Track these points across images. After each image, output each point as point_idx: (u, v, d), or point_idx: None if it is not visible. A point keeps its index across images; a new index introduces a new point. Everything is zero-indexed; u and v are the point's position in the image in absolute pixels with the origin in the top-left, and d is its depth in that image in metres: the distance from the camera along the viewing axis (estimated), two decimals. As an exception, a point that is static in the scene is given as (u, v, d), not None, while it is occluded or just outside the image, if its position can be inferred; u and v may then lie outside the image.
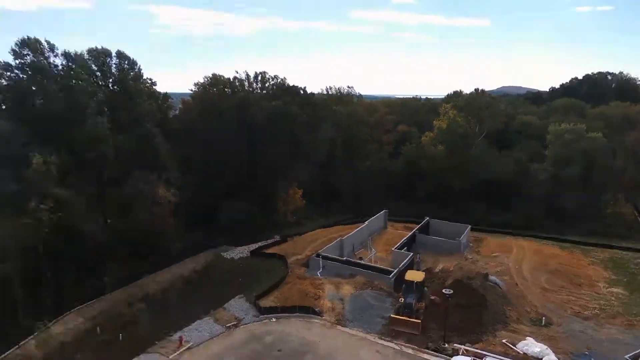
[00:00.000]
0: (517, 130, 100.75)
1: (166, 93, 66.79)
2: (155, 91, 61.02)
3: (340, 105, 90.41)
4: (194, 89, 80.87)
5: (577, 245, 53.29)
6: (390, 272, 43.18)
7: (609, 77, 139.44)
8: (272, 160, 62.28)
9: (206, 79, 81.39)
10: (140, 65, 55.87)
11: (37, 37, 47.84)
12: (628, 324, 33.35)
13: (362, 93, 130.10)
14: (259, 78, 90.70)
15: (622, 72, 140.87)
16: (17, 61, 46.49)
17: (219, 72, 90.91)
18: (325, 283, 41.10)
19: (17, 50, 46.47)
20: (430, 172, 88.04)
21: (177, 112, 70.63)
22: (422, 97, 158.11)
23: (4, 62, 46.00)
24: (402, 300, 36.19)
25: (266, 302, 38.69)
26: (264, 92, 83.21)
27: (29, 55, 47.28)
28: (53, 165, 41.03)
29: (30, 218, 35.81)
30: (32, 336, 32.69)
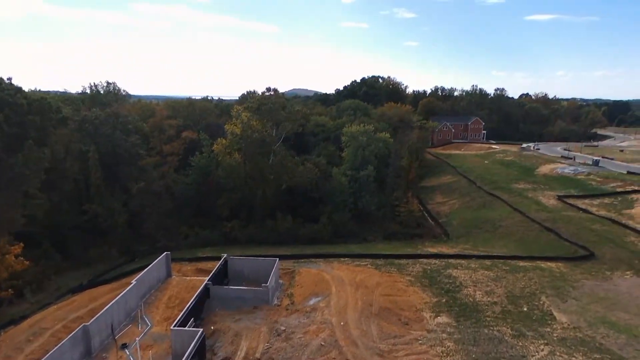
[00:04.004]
0: (313, 132, 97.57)
1: None
2: None
3: (96, 108, 66.15)
4: None
5: (391, 261, 48.26)
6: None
7: (380, 81, 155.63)
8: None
9: None
10: None
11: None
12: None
13: (140, 93, 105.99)
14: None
15: (389, 77, 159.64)
16: None
17: None
18: None
19: None
20: (228, 186, 74.50)
21: None
22: (214, 98, 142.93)
23: None
24: None
25: None
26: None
27: None
28: None
29: None
30: None
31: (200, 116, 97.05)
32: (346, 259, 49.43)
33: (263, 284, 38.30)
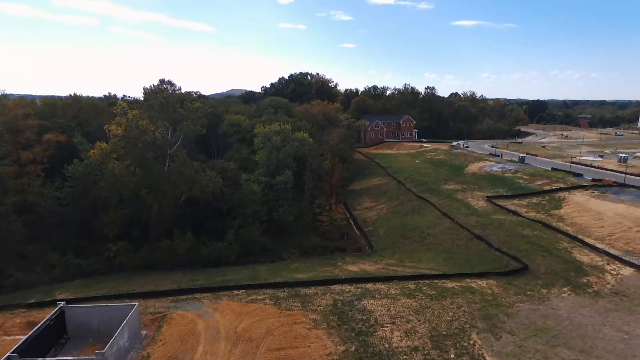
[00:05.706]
0: (227, 133, 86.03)
1: None
2: None
3: None
4: None
5: (296, 291, 38.70)
6: None
7: (309, 77, 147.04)
8: None
9: None
10: None
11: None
12: None
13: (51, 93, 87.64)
14: None
15: (318, 73, 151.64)
16: None
17: None
18: None
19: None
20: (114, 199, 60.95)
21: None
22: (117, 95, 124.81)
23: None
24: None
25: None
26: None
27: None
28: None
29: None
30: None
31: (90, 116, 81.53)
32: (240, 291, 39.04)
33: (97, 352, 26.64)
